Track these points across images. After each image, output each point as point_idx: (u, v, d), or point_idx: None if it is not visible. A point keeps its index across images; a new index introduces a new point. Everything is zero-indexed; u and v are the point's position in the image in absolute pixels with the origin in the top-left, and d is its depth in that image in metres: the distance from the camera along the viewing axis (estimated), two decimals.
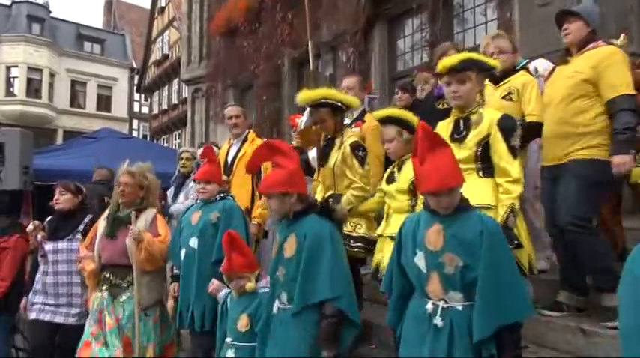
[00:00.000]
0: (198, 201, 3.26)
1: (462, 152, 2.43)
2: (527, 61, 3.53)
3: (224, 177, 3.72)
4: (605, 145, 2.71)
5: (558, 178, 2.83)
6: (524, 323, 2.05)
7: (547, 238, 3.28)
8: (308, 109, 3.67)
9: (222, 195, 3.16)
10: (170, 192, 5.01)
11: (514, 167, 2.37)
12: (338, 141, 3.23)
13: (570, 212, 2.71)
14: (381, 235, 2.92)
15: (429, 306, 1.92)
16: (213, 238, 2.99)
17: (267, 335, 2.48)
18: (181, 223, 3.20)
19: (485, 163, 2.43)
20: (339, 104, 3.21)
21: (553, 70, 3.04)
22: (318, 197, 3.32)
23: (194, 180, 3.32)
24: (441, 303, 1.91)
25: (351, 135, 3.24)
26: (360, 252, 3.07)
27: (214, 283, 2.87)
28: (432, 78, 4.18)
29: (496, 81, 3.11)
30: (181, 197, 4.84)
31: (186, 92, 14.97)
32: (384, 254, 2.80)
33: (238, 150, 4.17)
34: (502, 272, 1.86)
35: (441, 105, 3.27)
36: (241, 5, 10.09)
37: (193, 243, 3.02)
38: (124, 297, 3.13)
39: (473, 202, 2.06)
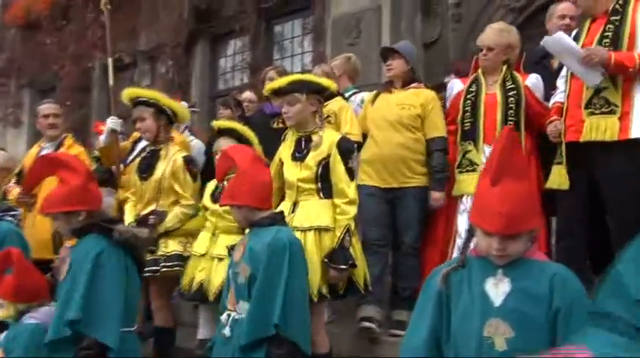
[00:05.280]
0: None
1: (302, 172, 2.53)
2: (356, 90, 3.86)
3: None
4: (428, 174, 3.11)
5: (395, 201, 3.10)
6: None
7: None
8: (108, 127, 3.48)
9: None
10: None
11: (351, 188, 2.54)
12: (163, 152, 3.08)
13: (412, 236, 3.04)
14: (203, 254, 2.85)
15: (224, 317, 1.99)
16: None
17: None
18: None
19: (325, 184, 2.55)
20: (167, 110, 3.07)
21: (375, 96, 3.35)
22: (131, 213, 3.10)
23: None
24: (233, 314, 1.98)
25: (179, 149, 3.14)
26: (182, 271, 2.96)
27: None
28: (254, 98, 4.33)
29: None
30: None
31: None
32: (210, 275, 2.74)
33: None
34: (275, 288, 2.02)
35: (275, 124, 3.39)
36: None
37: None
38: None
39: (313, 223, 2.19)
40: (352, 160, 2.60)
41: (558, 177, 2.65)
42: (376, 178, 3.11)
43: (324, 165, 2.54)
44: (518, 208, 1.50)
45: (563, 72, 2.80)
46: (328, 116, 3.31)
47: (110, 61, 4.08)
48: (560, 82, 2.80)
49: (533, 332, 1.44)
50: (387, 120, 3.14)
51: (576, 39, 2.71)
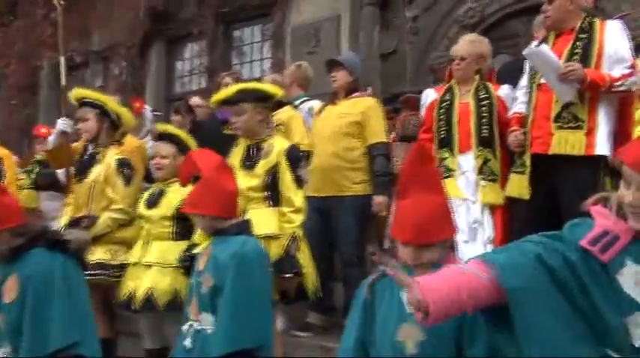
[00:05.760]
0: None
1: (252, 180, 2.51)
2: (306, 99, 3.87)
3: None
4: (369, 181, 3.16)
5: (332, 211, 3.13)
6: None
7: None
8: (58, 128, 3.37)
9: None
10: None
11: (298, 197, 2.56)
12: (101, 155, 2.98)
13: (350, 246, 3.07)
14: (136, 263, 2.77)
15: (185, 327, 1.96)
16: None
17: None
18: None
19: (273, 192, 2.56)
20: (112, 113, 2.99)
21: (322, 108, 3.44)
22: (64, 218, 2.99)
23: None
24: (195, 325, 1.95)
25: (117, 152, 3.04)
26: (119, 280, 2.86)
27: None
28: (203, 103, 4.27)
29: None
30: None
31: None
32: (140, 283, 2.66)
33: None
34: (244, 299, 1.99)
35: (227, 130, 3.37)
36: None
37: None
38: None
39: (260, 232, 2.17)
40: (300, 169, 2.64)
41: (518, 187, 2.69)
42: (314, 188, 3.19)
43: (273, 174, 2.55)
44: (428, 219, 1.58)
45: (523, 82, 2.87)
46: (278, 124, 3.33)
47: (62, 59, 3.93)
48: (520, 93, 2.87)
49: (441, 335, 1.52)
50: (328, 132, 3.22)
51: None
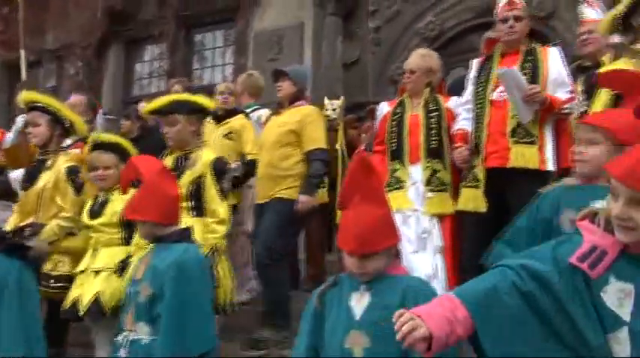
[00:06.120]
0: None
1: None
2: (257, 107, 3.86)
3: None
4: (297, 187, 3.15)
5: (264, 215, 3.17)
6: None
7: (252, 271, 3.60)
8: (17, 126, 3.23)
9: None
10: None
11: (222, 208, 2.58)
12: (50, 162, 2.88)
13: (267, 244, 3.04)
14: (83, 271, 2.68)
15: (120, 338, 1.91)
16: None
17: None
18: None
19: (197, 202, 2.57)
20: (65, 121, 2.89)
21: (269, 117, 3.49)
22: (8, 226, 2.86)
23: None
24: (131, 334, 1.91)
25: (69, 159, 2.93)
26: (62, 292, 2.73)
27: None
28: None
29: (219, 119, 3.45)
30: None
31: None
32: (84, 290, 2.58)
33: None
34: (187, 307, 1.97)
35: None
36: None
37: None
38: None
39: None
40: (226, 181, 2.64)
41: (474, 200, 2.76)
42: (258, 196, 3.28)
43: (198, 184, 2.58)
44: (370, 229, 1.61)
45: (464, 99, 2.98)
46: (230, 132, 3.33)
47: (23, 52, 3.78)
48: (462, 109, 2.97)
49: (387, 341, 1.51)
50: (268, 141, 3.25)
51: (486, 68, 2.90)
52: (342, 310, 1.67)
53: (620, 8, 2.11)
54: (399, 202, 2.88)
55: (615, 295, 1.18)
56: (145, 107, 2.80)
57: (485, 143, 2.79)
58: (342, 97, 3.99)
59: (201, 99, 2.72)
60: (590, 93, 2.20)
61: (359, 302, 1.66)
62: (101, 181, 2.74)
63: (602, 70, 2.24)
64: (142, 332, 2.05)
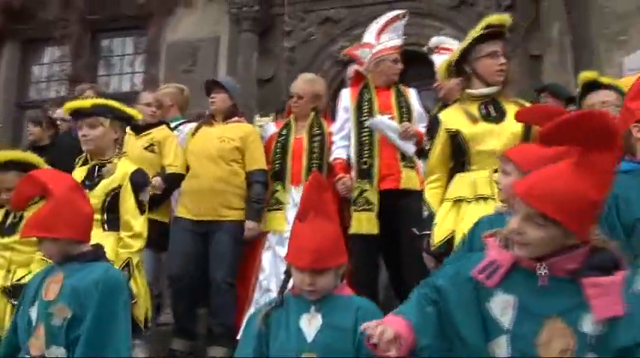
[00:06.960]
0: None
1: (90, 201, 2.34)
2: (184, 121, 3.76)
3: None
4: (244, 208, 3.14)
5: (209, 235, 3.08)
6: None
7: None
8: None
9: None
10: None
11: (138, 221, 2.45)
12: None
13: (224, 272, 3.01)
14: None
15: None
16: None
17: None
18: None
19: (111, 215, 2.43)
20: None
21: (197, 128, 3.35)
22: None
23: None
24: None
25: None
26: None
27: None
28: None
29: (138, 131, 3.25)
30: None
31: None
32: None
33: None
34: (110, 328, 1.89)
35: None
36: None
37: None
38: None
39: None
40: (144, 193, 2.53)
41: (367, 223, 2.94)
42: (192, 211, 3.12)
43: (113, 196, 2.45)
44: (325, 245, 1.65)
45: (337, 126, 3.16)
46: (152, 144, 3.22)
47: None
48: (338, 138, 3.15)
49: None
50: (208, 153, 3.17)
51: (365, 101, 3.10)
52: (291, 332, 1.64)
53: (454, 55, 2.35)
54: (277, 223, 3.05)
55: (499, 305, 1.31)
56: (65, 106, 2.58)
57: (379, 167, 3.01)
58: (272, 115, 4.00)
59: (128, 109, 2.59)
60: (431, 131, 2.39)
61: (310, 324, 1.65)
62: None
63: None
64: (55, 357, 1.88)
